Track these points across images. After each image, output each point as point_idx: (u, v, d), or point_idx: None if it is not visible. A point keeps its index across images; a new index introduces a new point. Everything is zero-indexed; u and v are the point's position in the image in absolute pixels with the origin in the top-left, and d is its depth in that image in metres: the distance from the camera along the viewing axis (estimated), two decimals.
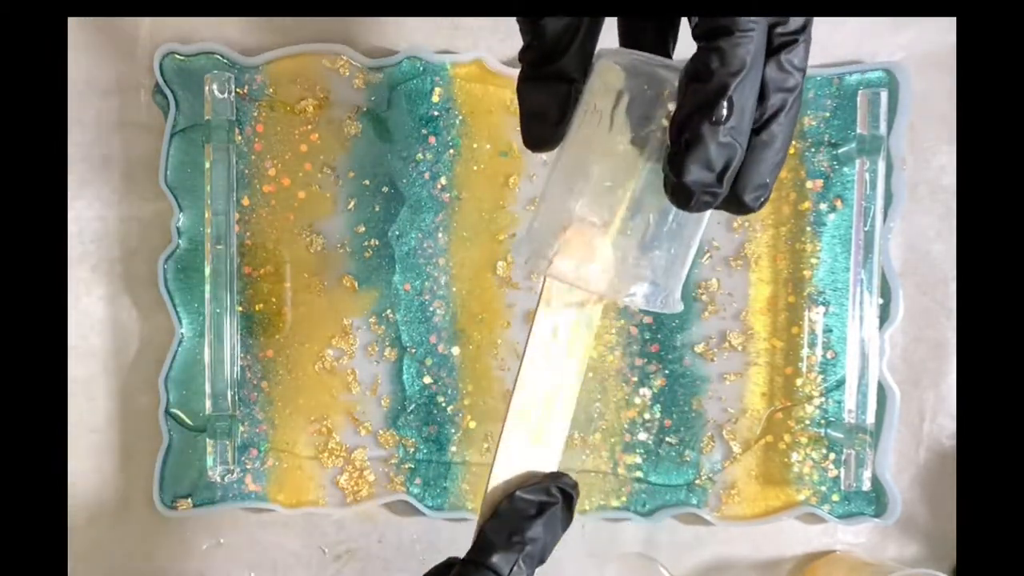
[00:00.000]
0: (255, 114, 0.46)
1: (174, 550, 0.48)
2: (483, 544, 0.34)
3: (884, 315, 0.46)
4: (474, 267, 0.47)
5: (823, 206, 0.46)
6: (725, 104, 0.25)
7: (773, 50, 0.26)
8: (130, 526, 0.48)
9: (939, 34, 0.46)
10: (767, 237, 0.46)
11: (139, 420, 0.47)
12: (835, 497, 0.47)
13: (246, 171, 0.46)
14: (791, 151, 0.46)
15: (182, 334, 0.46)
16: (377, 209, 0.47)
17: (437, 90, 0.46)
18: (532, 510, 0.34)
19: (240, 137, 0.46)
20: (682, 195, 0.27)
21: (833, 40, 0.47)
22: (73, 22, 0.46)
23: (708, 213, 0.29)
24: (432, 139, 0.46)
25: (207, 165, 0.45)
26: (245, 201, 0.46)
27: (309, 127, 0.46)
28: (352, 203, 0.47)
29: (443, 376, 0.47)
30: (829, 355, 0.46)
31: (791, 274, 0.46)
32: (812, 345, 0.46)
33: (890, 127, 0.45)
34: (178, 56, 0.46)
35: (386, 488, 0.47)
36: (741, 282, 0.47)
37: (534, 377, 0.33)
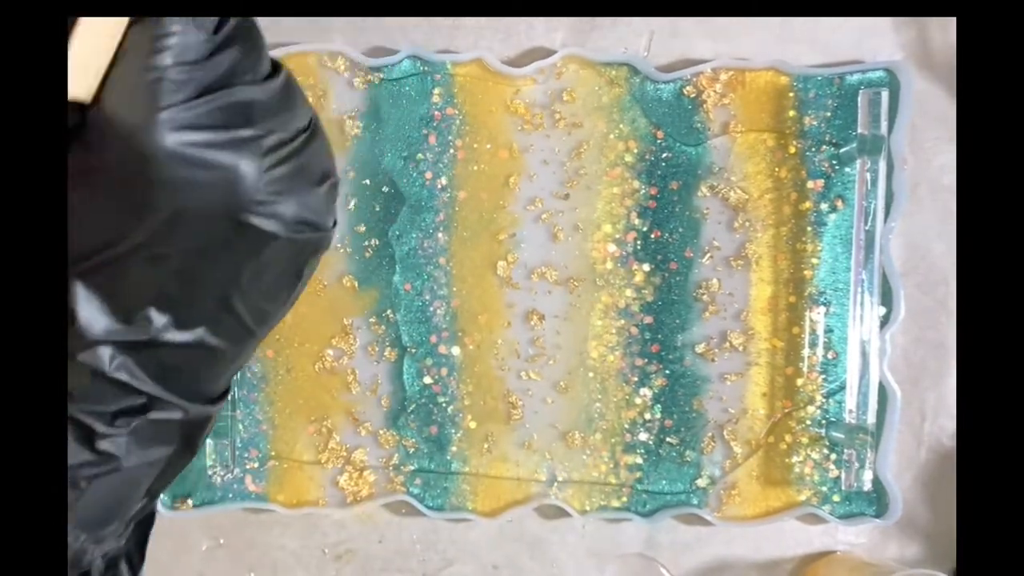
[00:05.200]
0: None
1: (174, 550, 0.48)
2: None
3: (885, 315, 0.46)
4: (474, 267, 0.47)
5: (824, 206, 0.46)
6: None
7: None
8: None
9: (939, 34, 0.46)
10: (768, 237, 0.46)
11: None
12: (836, 497, 0.47)
13: None
14: (792, 151, 0.46)
15: None
16: (377, 209, 0.47)
17: (437, 90, 0.46)
18: None
19: None
20: None
21: (834, 40, 0.46)
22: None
23: None
24: (432, 139, 0.46)
25: None
26: None
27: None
28: (352, 203, 0.47)
29: (443, 376, 0.47)
30: (830, 355, 0.46)
31: (792, 274, 0.46)
32: (813, 345, 0.46)
33: (891, 127, 0.45)
34: None
35: (386, 488, 0.47)
36: (742, 282, 0.47)
37: None
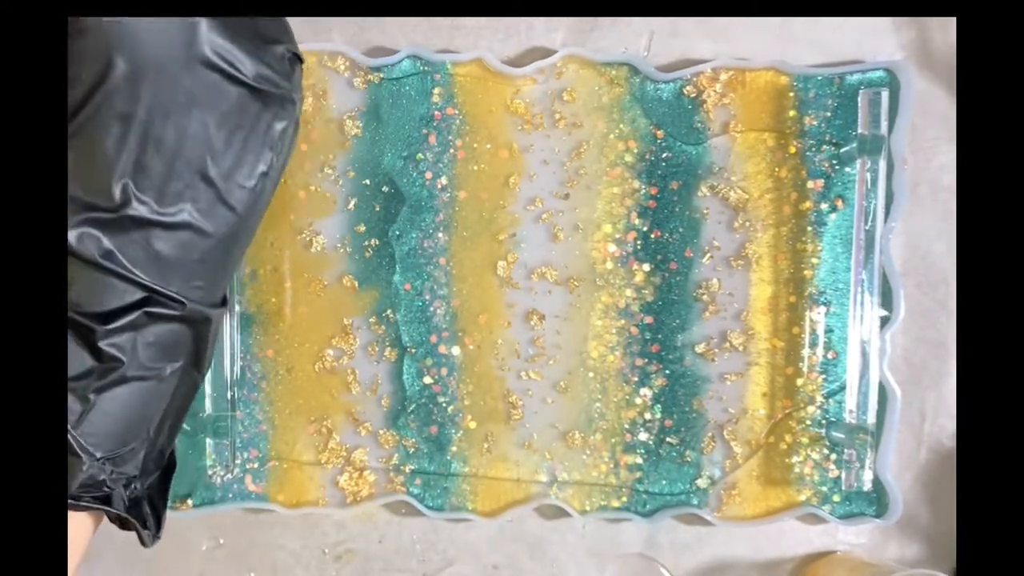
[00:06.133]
0: None
1: (174, 550, 0.48)
2: None
3: (885, 315, 0.46)
4: (474, 267, 0.47)
5: (824, 206, 0.46)
6: None
7: None
8: None
9: (939, 34, 0.46)
10: (768, 237, 0.46)
11: None
12: (836, 497, 0.47)
13: None
14: (792, 151, 0.46)
15: None
16: (377, 209, 0.47)
17: (437, 90, 0.46)
18: None
19: None
20: None
21: (834, 40, 0.46)
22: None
23: None
24: (432, 139, 0.46)
25: None
26: None
27: (309, 126, 0.46)
28: (352, 203, 0.47)
29: (443, 376, 0.47)
30: (830, 355, 0.46)
31: (792, 274, 0.46)
32: (813, 345, 0.46)
33: (891, 127, 0.45)
34: None
35: (386, 488, 0.47)
36: (742, 282, 0.47)
37: None
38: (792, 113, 0.46)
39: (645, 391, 0.47)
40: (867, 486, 0.46)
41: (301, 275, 0.47)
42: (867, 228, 0.45)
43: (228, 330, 0.46)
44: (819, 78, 0.46)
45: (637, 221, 0.46)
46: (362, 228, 0.47)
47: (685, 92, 0.46)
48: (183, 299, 0.32)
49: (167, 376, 0.33)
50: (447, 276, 0.47)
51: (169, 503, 0.46)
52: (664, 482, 0.47)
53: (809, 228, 0.46)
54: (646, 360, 0.47)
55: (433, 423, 0.47)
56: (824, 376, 0.46)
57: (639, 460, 0.47)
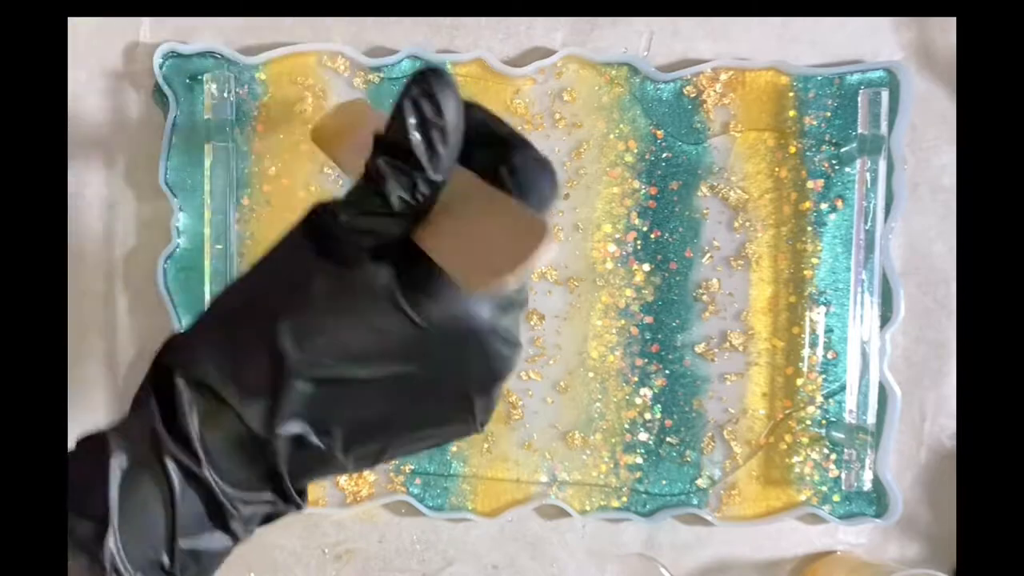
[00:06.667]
0: (255, 114, 0.46)
1: None
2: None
3: (885, 315, 0.46)
4: None
5: (824, 206, 0.46)
6: None
7: None
8: None
9: (939, 34, 0.46)
10: (768, 237, 0.46)
11: None
12: (836, 497, 0.47)
13: (246, 171, 0.46)
14: (792, 151, 0.46)
15: None
16: None
17: None
18: None
19: (240, 137, 0.46)
20: None
21: (834, 40, 0.46)
22: (73, 22, 0.46)
23: None
24: None
25: (207, 165, 0.45)
26: (245, 201, 0.46)
27: (309, 126, 0.46)
28: None
29: None
30: (830, 355, 0.46)
31: (792, 274, 0.46)
32: (813, 345, 0.46)
33: (891, 127, 0.45)
34: (178, 56, 0.46)
35: (386, 488, 0.47)
36: (742, 282, 0.47)
37: None
38: (792, 113, 0.46)
39: (645, 391, 0.47)
40: (867, 486, 0.46)
41: None
42: (867, 228, 0.45)
43: None
44: (819, 78, 0.46)
45: (637, 221, 0.46)
46: None
47: (685, 92, 0.46)
48: (281, 505, 0.32)
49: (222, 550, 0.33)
50: None
51: None
52: (664, 482, 0.47)
53: (809, 228, 0.46)
54: (646, 360, 0.47)
55: None
56: (824, 376, 0.46)
57: (639, 460, 0.47)
